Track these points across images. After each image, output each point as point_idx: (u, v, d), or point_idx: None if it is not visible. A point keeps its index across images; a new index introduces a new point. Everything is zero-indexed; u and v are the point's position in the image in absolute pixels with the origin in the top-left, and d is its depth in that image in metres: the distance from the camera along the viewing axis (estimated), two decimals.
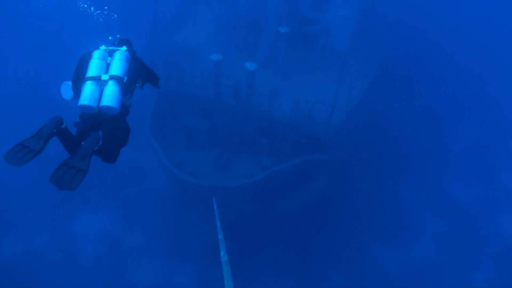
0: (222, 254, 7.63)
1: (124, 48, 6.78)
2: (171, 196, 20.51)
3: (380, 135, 23.47)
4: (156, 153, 16.80)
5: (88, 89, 6.24)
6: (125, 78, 6.45)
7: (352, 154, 20.45)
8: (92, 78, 6.32)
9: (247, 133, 18.12)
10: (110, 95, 6.23)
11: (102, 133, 6.61)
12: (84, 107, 6.25)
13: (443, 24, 30.22)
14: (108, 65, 6.51)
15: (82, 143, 6.15)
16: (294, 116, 16.99)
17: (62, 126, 6.18)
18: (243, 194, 16.24)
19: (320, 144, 17.46)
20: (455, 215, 22.82)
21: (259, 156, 17.62)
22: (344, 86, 16.29)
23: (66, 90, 6.74)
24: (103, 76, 6.34)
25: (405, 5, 23.90)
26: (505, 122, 27.62)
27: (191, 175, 16.08)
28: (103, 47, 6.74)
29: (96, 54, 6.52)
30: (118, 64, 6.47)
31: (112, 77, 6.33)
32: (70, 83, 6.69)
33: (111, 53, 6.63)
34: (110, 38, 7.60)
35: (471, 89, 28.54)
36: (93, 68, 6.40)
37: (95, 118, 6.39)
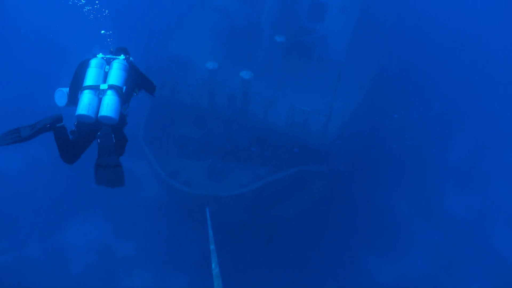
0: (213, 266, 7.46)
1: (122, 57, 6.68)
2: (164, 205, 20.33)
3: (376, 145, 23.42)
4: (149, 162, 16.65)
5: (86, 98, 6.12)
6: (124, 88, 6.37)
7: (348, 164, 20.36)
8: (90, 87, 6.20)
9: (242, 142, 18.02)
10: (109, 105, 6.11)
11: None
12: (82, 116, 6.11)
13: (440, 35, 30.34)
14: (106, 74, 6.38)
15: (98, 141, 6.11)
16: (289, 126, 16.90)
17: (58, 125, 6.08)
18: (237, 204, 16.10)
19: (315, 154, 17.37)
20: (450, 227, 22.73)
21: (254, 165, 17.52)
22: (340, 96, 16.23)
23: (60, 97, 6.60)
24: (102, 85, 6.23)
25: (401, 15, 23.97)
26: (500, 133, 27.69)
27: (185, 184, 15.94)
28: (100, 55, 6.57)
29: (94, 63, 6.37)
30: (116, 73, 6.35)
31: (111, 87, 6.21)
32: (64, 89, 6.57)
33: (108, 62, 6.48)
34: (102, 32, 7.49)
35: (466, 100, 28.60)
36: (91, 77, 6.28)
37: (92, 127, 6.28)
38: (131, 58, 7.00)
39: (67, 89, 6.66)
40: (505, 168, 25.94)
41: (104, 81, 6.33)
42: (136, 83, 6.79)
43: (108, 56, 6.66)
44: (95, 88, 6.25)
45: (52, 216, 20.46)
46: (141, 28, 18.64)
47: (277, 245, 19.37)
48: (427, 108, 27.35)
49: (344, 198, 21.61)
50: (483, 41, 31.81)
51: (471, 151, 26.44)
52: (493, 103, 29.22)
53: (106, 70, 6.41)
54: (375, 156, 23.21)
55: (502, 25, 32.02)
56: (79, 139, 6.37)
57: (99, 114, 6.15)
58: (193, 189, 15.55)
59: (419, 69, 28.07)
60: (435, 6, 30.69)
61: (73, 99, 6.45)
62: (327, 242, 20.33)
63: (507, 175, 25.57)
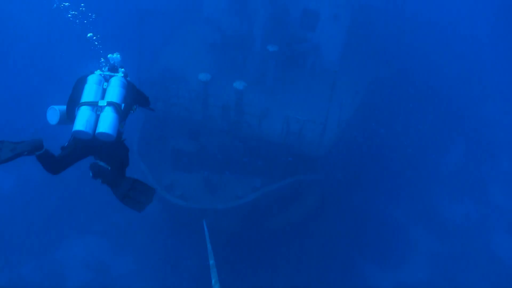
0: (213, 282, 7.23)
1: (121, 74, 6.64)
2: (160, 219, 20.12)
3: (372, 153, 23.34)
4: (144, 176, 16.47)
5: (84, 114, 6.02)
6: (123, 105, 6.28)
7: (345, 172, 20.26)
8: (88, 103, 6.11)
9: (237, 154, 17.89)
10: (107, 122, 6.02)
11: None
12: (79, 132, 6.00)
13: (433, 42, 30.43)
14: (104, 91, 6.33)
15: (100, 180, 6.21)
16: (284, 136, 16.78)
17: (38, 153, 5.97)
18: (234, 215, 15.94)
19: (311, 163, 17.26)
20: (448, 234, 22.65)
21: (250, 176, 17.38)
22: (335, 104, 16.15)
23: (52, 115, 6.47)
24: (100, 102, 6.15)
25: (394, 23, 24.00)
26: (495, 140, 27.70)
27: (180, 198, 15.77)
28: (98, 71, 6.53)
29: (92, 79, 6.30)
30: (115, 90, 6.30)
31: (109, 104, 6.13)
32: (56, 107, 6.45)
33: (106, 78, 6.43)
34: (89, 34, 7.43)
35: (461, 106, 28.64)
36: (89, 93, 6.20)
37: (87, 144, 6.17)
38: (127, 74, 6.99)
39: (60, 106, 6.57)
40: (501, 174, 25.95)
41: (102, 97, 6.27)
42: (134, 100, 6.75)
43: (107, 73, 6.61)
44: (93, 104, 6.16)
45: (47, 234, 20.24)
46: (131, 37, 18.53)
47: (274, 254, 19.22)
48: (421, 115, 27.38)
49: (341, 206, 21.53)
50: (476, 47, 31.94)
51: (467, 158, 26.43)
52: (489, 109, 29.28)
53: (105, 86, 6.36)
54: (372, 164, 23.16)
55: (496, 34, 32.20)
56: (70, 154, 6.24)
57: (97, 131, 6.05)
58: (189, 203, 15.40)
59: (413, 75, 28.15)
60: (427, 12, 30.80)
61: (70, 115, 6.36)
62: (324, 250, 20.23)
63: (503, 181, 25.57)
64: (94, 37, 7.45)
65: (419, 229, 22.52)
